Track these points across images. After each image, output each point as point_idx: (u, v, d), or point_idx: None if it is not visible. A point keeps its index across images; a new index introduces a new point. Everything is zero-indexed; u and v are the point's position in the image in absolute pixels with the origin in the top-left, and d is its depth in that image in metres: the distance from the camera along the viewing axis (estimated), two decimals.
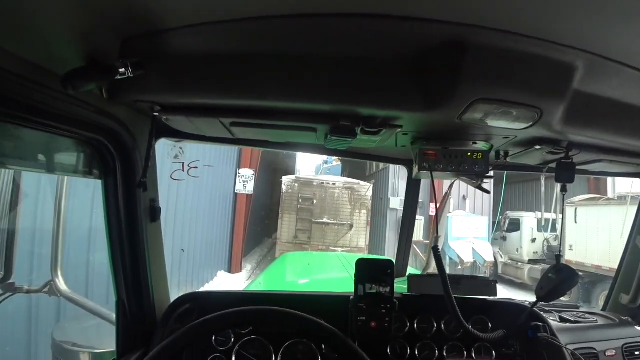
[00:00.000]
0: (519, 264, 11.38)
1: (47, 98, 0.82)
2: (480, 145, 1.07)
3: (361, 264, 1.16)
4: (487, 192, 1.15)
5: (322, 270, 4.39)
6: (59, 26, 0.69)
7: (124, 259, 1.17)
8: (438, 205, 1.15)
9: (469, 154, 1.04)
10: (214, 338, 1.18)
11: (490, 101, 0.79)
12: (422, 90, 0.81)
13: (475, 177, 1.09)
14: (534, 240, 11.23)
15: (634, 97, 0.91)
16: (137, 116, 1.11)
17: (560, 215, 10.35)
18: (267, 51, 0.82)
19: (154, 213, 1.24)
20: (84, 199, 3.56)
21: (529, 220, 11.49)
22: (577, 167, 1.18)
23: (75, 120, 0.94)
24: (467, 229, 10.64)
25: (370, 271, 1.15)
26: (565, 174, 1.09)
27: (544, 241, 11.03)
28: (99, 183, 1.18)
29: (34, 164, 1.14)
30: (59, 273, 2.06)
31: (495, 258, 11.51)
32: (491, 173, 1.20)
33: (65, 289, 2.06)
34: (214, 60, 0.84)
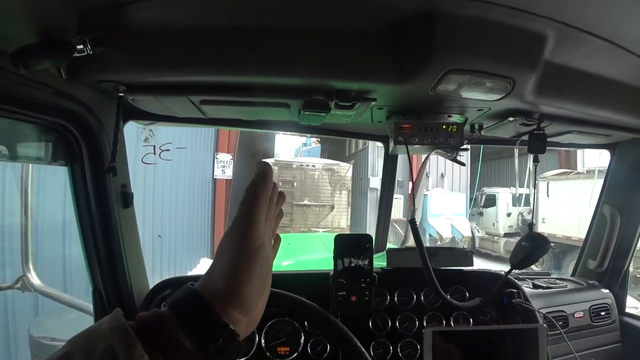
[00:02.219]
0: (495, 237, 11.83)
1: None
2: (455, 118, 1.08)
3: (340, 240, 1.17)
4: (463, 164, 1.17)
5: (305, 251, 4.42)
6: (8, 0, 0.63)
7: (97, 247, 1.13)
8: (414, 177, 1.15)
9: (444, 126, 1.04)
10: None
11: (463, 72, 0.79)
12: (396, 61, 0.80)
13: (451, 150, 1.10)
14: (509, 215, 11.66)
15: (600, 67, 0.92)
16: (102, 97, 1.05)
17: (534, 190, 10.77)
18: (235, 24, 0.78)
19: (126, 199, 1.20)
20: (56, 187, 3.41)
21: (504, 195, 11.90)
22: (549, 139, 1.21)
23: (32, 103, 0.88)
24: (445, 206, 10.94)
25: (349, 246, 1.16)
26: (537, 144, 1.11)
27: (518, 215, 11.47)
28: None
29: None
30: (31, 267, 1.98)
31: (472, 233, 11.92)
32: (466, 146, 1.21)
33: (39, 283, 2.00)
34: (180, 34, 0.80)
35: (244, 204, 0.50)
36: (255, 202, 0.50)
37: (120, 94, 0.95)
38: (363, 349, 0.81)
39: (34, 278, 1.97)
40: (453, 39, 0.74)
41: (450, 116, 1.07)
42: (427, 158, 1.27)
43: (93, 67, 0.84)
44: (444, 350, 1.08)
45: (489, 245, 12.05)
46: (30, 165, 1.84)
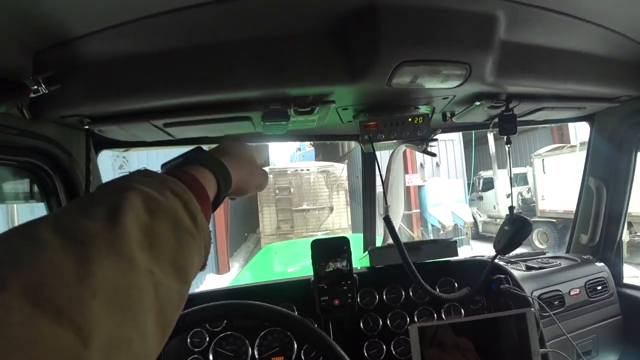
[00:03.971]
0: (498, 220, 11.78)
1: None
2: (423, 109, 1.06)
3: (316, 245, 1.17)
4: (433, 155, 1.16)
5: (309, 255, 4.37)
6: None
7: None
8: (384, 175, 1.14)
9: (410, 119, 1.03)
10: (189, 340, 1.17)
11: (415, 62, 0.78)
12: (345, 61, 0.79)
13: (420, 142, 1.09)
14: (508, 196, 11.60)
15: (560, 40, 0.91)
16: (69, 131, 1.05)
17: (530, 168, 10.75)
18: (181, 45, 0.79)
19: None
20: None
21: (501, 177, 11.86)
22: (522, 118, 1.19)
23: None
24: (444, 194, 10.92)
25: (326, 250, 1.16)
26: (508, 126, 1.09)
27: (517, 195, 11.44)
28: None
29: None
30: None
31: (474, 218, 11.90)
32: (439, 136, 1.20)
33: None
34: (132, 62, 0.81)
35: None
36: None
37: (86, 127, 0.95)
38: (341, 352, 0.80)
39: None
40: (398, 30, 0.73)
41: (418, 108, 1.06)
42: (392, 154, 1.25)
43: (54, 104, 0.84)
44: (454, 345, 1.06)
45: (492, 229, 12.01)
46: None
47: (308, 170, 10.17)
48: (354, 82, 0.81)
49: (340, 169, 10.29)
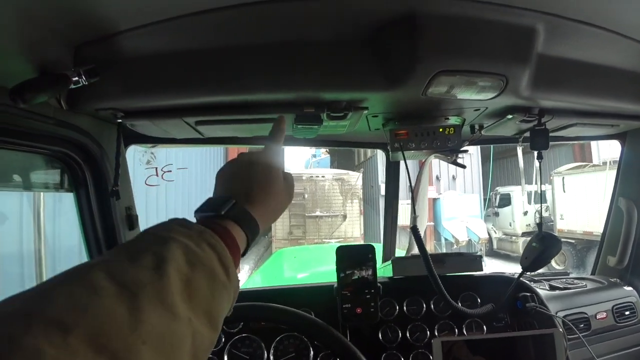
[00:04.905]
0: (513, 237, 11.54)
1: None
2: (453, 120, 1.05)
3: (341, 252, 1.15)
4: (463, 166, 1.14)
5: (320, 262, 4.36)
6: (4, 38, 0.66)
7: None
8: (413, 184, 1.13)
9: (441, 129, 1.02)
10: None
11: (452, 72, 0.77)
12: (383, 68, 0.79)
13: (450, 153, 1.08)
14: (525, 213, 11.39)
15: (597, 55, 0.90)
16: (102, 124, 1.08)
17: (550, 186, 10.52)
18: (220, 45, 0.80)
19: (131, 221, 1.22)
20: (69, 210, 3.46)
21: (519, 194, 11.64)
22: (553, 134, 1.17)
23: (36, 135, 0.91)
24: (459, 208, 10.79)
25: (351, 258, 1.14)
26: (539, 140, 1.08)
27: (535, 213, 11.20)
28: None
29: None
30: None
31: (489, 234, 11.68)
32: (466, 147, 1.19)
33: None
34: (170, 59, 0.82)
35: (272, 144, 0.65)
36: (279, 144, 0.66)
37: (118, 120, 0.97)
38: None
39: None
40: (437, 40, 0.73)
41: (448, 118, 1.05)
42: (423, 163, 1.24)
43: (91, 97, 0.86)
44: None
45: (508, 246, 11.77)
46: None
47: (323, 177, 10.18)
48: (389, 89, 0.81)
49: (355, 178, 10.27)
